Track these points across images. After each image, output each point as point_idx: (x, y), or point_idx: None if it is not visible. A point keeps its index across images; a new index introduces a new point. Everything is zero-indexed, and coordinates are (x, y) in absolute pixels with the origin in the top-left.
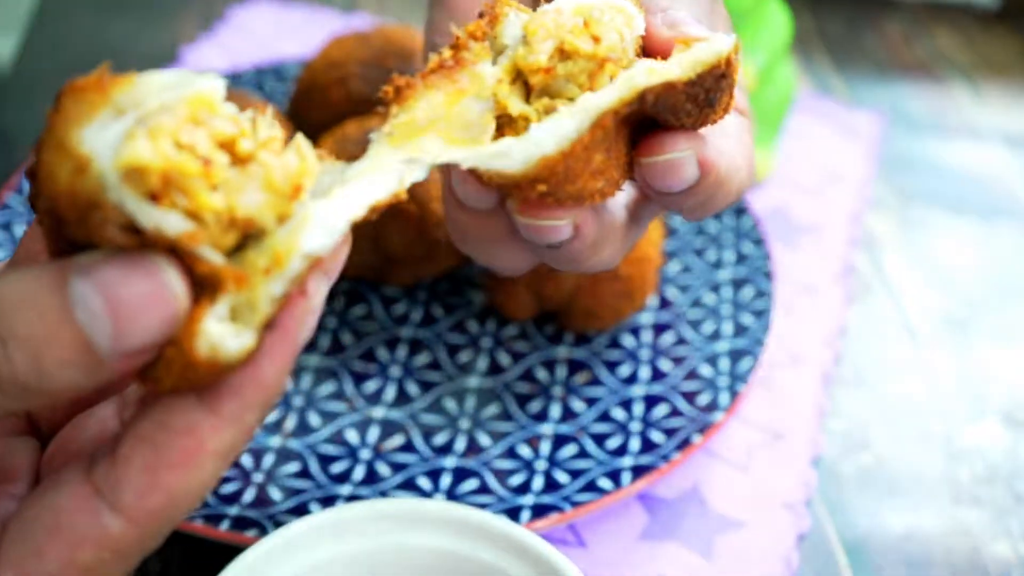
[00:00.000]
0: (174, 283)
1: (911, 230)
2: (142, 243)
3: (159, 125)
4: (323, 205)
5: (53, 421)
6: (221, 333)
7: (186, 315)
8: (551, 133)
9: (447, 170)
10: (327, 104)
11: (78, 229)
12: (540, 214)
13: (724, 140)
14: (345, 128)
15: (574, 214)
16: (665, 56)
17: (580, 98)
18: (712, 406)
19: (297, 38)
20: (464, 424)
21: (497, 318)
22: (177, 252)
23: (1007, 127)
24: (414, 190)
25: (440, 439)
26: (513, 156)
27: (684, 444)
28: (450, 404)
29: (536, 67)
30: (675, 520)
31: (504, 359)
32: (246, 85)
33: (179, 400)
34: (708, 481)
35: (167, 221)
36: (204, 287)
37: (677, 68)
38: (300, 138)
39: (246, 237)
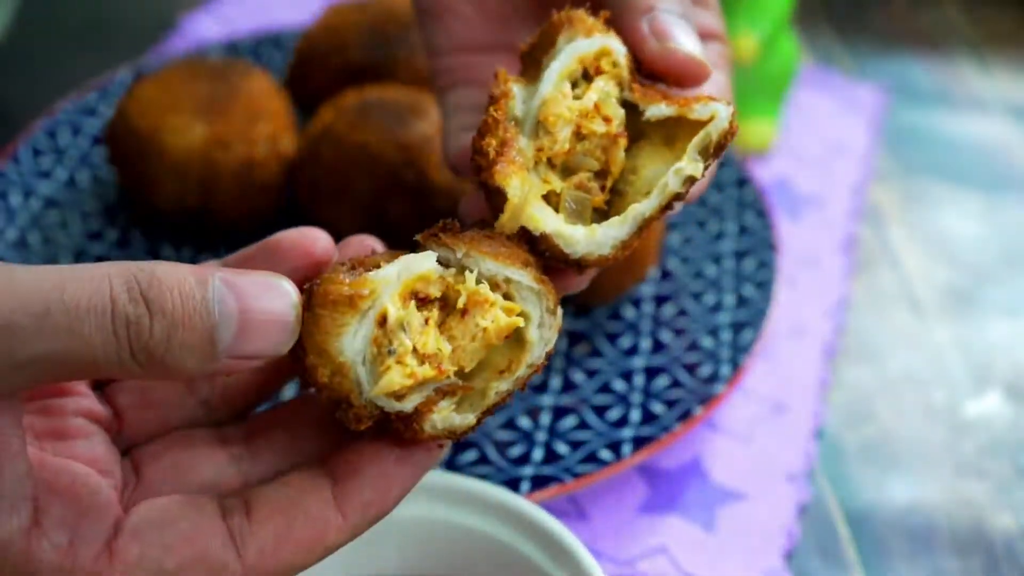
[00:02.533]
0: (293, 309)
1: (915, 202)
2: (383, 416)
3: (402, 350)
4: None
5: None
6: (445, 419)
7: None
8: (608, 239)
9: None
10: (325, 72)
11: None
12: (563, 285)
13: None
14: (344, 97)
15: (590, 276)
16: (657, 68)
17: (631, 208)
18: (713, 378)
19: (295, 8)
20: None
21: None
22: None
23: (1013, 99)
24: (412, 160)
25: None
26: (577, 246)
27: (685, 416)
28: None
29: (559, 152)
30: (676, 492)
31: None
32: (244, 54)
33: (316, 492)
34: (709, 453)
35: (411, 405)
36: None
37: (698, 162)
38: (519, 277)
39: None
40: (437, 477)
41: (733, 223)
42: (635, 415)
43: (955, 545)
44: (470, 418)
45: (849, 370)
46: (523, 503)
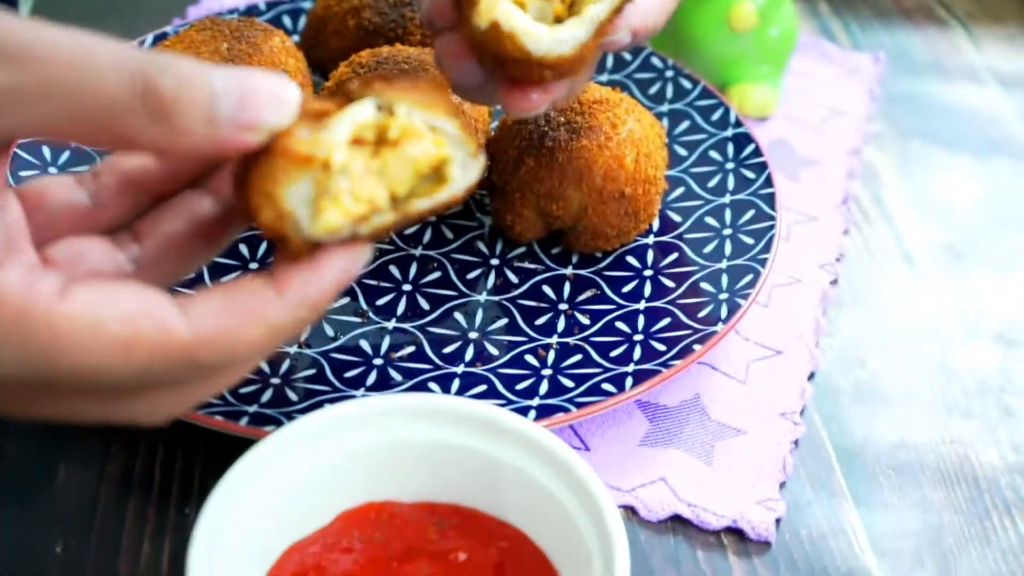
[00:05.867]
0: (289, 88)
1: (910, 166)
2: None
3: (337, 192)
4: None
5: None
6: (369, 223)
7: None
8: (569, 37)
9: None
10: (340, 35)
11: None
12: (527, 99)
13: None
14: (359, 57)
15: (552, 95)
16: None
17: (587, 10)
18: (713, 319)
19: None
20: (473, 335)
21: (505, 240)
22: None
23: (1003, 70)
24: None
25: (450, 348)
26: (540, 43)
27: (685, 352)
28: (459, 317)
29: None
30: (676, 427)
31: (512, 277)
32: (261, 19)
33: (252, 278)
34: (708, 392)
35: (346, 232)
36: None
37: None
38: (445, 125)
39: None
40: (448, 401)
41: (733, 177)
42: (637, 352)
43: (941, 478)
44: (388, 217)
45: (844, 319)
46: (530, 425)
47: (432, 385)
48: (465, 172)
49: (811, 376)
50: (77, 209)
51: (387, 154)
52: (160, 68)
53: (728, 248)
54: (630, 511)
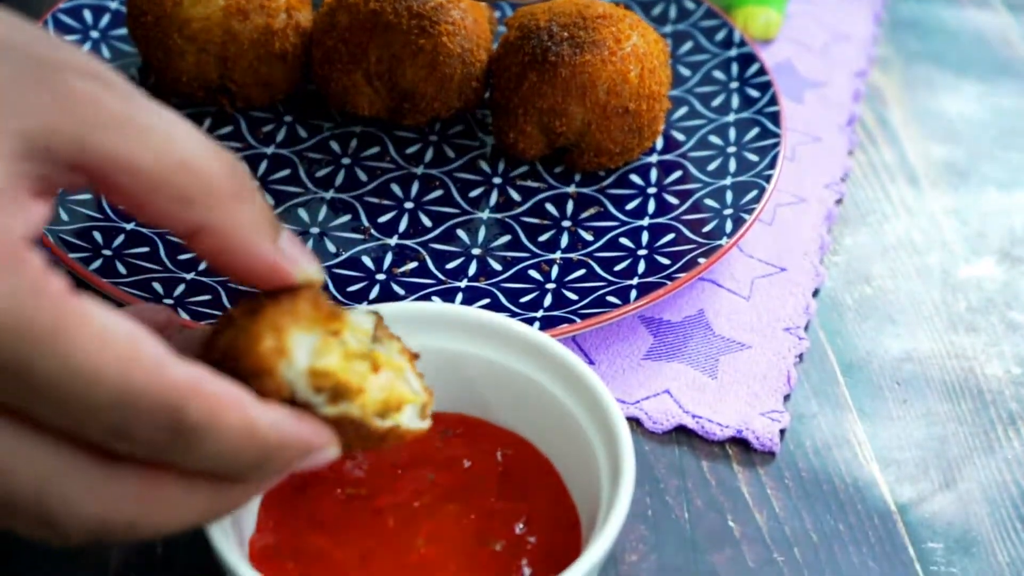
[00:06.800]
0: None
1: (915, 88)
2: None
3: (348, 349)
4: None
5: None
6: (339, 409)
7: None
8: None
9: None
10: None
11: (239, 371)
12: None
13: None
14: None
15: None
16: None
17: None
18: (717, 233)
19: None
20: (476, 251)
21: (507, 159)
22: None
23: None
24: (426, 28)
25: (453, 264)
26: None
27: (689, 266)
28: (462, 234)
29: None
30: (680, 342)
31: (515, 195)
32: None
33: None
34: (712, 307)
35: (318, 400)
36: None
37: None
38: (414, 381)
39: None
40: (451, 309)
41: (737, 96)
42: (641, 267)
43: (946, 391)
44: (355, 410)
45: (848, 236)
46: (535, 332)
47: (435, 299)
48: (410, 426)
49: (816, 293)
50: None
51: (369, 372)
52: (240, 164)
53: (732, 165)
54: (635, 423)
